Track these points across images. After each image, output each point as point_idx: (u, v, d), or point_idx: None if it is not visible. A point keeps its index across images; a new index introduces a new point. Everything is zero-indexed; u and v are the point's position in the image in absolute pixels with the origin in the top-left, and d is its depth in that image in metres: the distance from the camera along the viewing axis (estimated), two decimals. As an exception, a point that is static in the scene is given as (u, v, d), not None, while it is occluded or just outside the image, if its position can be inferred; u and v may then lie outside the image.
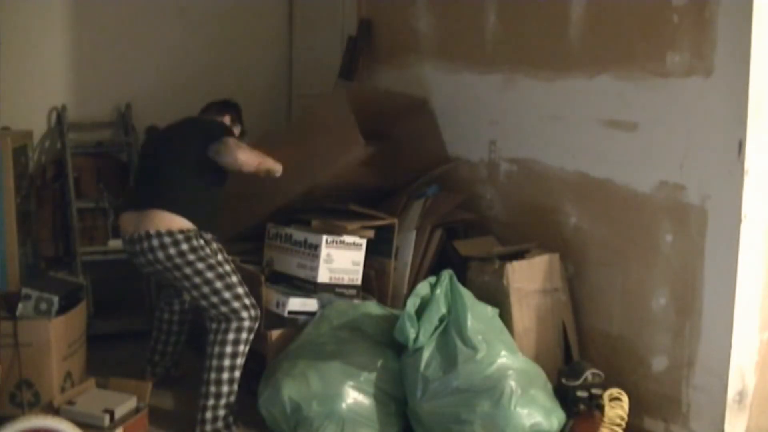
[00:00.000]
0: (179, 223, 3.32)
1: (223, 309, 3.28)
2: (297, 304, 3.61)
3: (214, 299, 3.29)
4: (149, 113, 4.76)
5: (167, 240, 3.28)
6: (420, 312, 3.25)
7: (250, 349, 3.32)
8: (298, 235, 3.80)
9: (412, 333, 3.19)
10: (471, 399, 3.08)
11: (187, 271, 3.29)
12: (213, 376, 3.28)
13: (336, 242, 3.69)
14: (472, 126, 4.14)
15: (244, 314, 3.29)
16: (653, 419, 3.31)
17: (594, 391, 3.23)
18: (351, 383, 3.21)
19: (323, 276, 3.67)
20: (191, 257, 3.28)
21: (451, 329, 3.22)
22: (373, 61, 4.78)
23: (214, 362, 3.28)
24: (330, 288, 3.68)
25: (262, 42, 5.16)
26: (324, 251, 3.67)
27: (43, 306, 3.46)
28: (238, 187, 3.70)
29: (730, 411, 3.06)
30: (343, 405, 3.17)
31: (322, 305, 3.60)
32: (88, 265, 4.44)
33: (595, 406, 3.20)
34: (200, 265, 3.29)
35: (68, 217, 4.47)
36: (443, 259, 3.89)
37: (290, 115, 5.27)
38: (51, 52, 4.60)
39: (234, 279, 3.34)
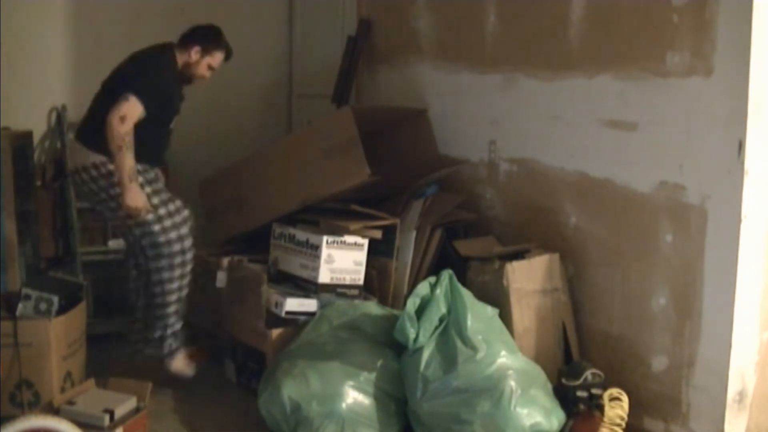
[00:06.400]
0: None
1: None
2: (294, 304, 3.60)
3: None
4: (149, 113, 4.76)
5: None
6: (420, 312, 3.24)
7: (250, 349, 3.29)
8: (301, 235, 3.80)
9: (412, 333, 3.19)
10: (471, 399, 3.08)
11: None
12: None
13: (337, 243, 3.69)
14: (472, 126, 4.14)
15: None
16: (653, 419, 3.31)
17: (594, 391, 3.23)
18: (351, 383, 3.21)
19: (324, 276, 3.67)
20: None
21: (451, 329, 3.22)
22: (373, 61, 4.78)
23: None
24: (331, 288, 3.68)
25: (262, 42, 5.16)
26: (324, 252, 3.67)
27: (43, 306, 3.46)
28: (231, 194, 3.68)
29: (730, 411, 3.06)
30: (343, 405, 3.17)
31: (322, 305, 3.60)
32: (88, 265, 4.44)
33: (595, 406, 3.20)
34: None
35: (68, 217, 4.47)
36: (443, 259, 3.89)
37: (290, 115, 5.27)
38: (51, 52, 4.59)
39: None
